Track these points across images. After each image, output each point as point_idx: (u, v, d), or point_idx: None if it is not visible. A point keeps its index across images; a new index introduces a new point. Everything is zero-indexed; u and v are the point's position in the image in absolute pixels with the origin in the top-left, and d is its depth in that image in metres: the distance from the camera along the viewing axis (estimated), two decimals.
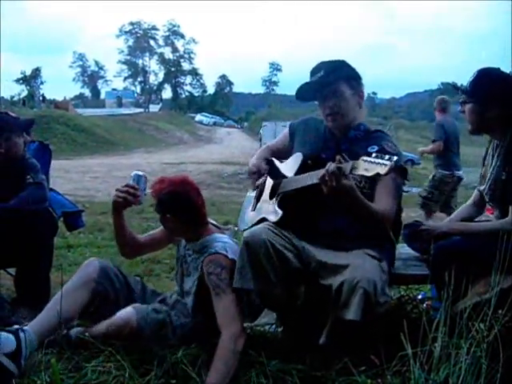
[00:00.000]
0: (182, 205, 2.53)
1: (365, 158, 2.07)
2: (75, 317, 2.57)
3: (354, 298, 2.16)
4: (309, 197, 2.46)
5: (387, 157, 2.03)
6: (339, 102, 2.59)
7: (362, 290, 2.15)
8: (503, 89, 2.54)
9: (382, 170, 2.00)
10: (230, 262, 2.45)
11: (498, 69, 2.62)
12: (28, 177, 3.14)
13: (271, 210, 2.61)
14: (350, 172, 2.11)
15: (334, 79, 2.58)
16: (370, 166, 2.03)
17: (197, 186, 2.63)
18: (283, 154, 2.90)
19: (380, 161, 2.02)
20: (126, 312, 2.45)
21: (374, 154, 2.07)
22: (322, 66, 2.63)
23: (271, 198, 2.66)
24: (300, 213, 2.53)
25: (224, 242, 2.55)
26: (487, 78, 2.57)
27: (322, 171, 2.22)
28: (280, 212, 2.52)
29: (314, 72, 2.65)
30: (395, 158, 2.03)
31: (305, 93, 2.69)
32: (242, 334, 2.35)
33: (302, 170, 2.53)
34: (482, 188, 2.67)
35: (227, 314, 2.36)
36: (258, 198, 2.79)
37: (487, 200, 2.64)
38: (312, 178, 2.35)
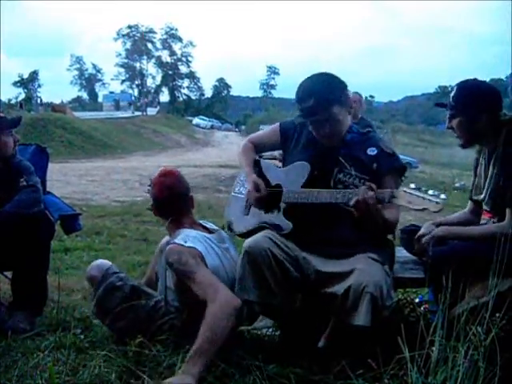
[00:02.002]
0: (154, 195, 2.76)
1: (406, 189, 2.17)
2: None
3: (361, 303, 2.17)
4: (312, 206, 2.47)
5: (431, 192, 2.17)
6: (331, 125, 2.55)
7: (370, 295, 2.16)
8: (487, 96, 2.59)
9: (434, 208, 2.12)
10: (187, 249, 2.47)
11: (476, 79, 2.67)
12: (21, 179, 3.12)
13: (274, 219, 2.61)
14: (389, 201, 2.20)
15: (325, 107, 2.51)
16: (415, 199, 2.14)
17: (176, 182, 2.77)
18: (268, 149, 2.94)
19: (427, 196, 2.13)
20: (101, 262, 2.85)
21: (412, 185, 2.17)
22: (311, 94, 2.52)
23: (271, 205, 2.65)
24: (306, 223, 2.53)
25: (186, 235, 2.57)
26: (469, 90, 2.62)
27: (351, 196, 2.29)
28: (289, 224, 2.53)
29: (302, 99, 2.56)
30: (443, 196, 2.13)
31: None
32: (231, 300, 2.29)
33: (309, 181, 2.54)
34: (480, 198, 2.66)
35: (206, 287, 2.33)
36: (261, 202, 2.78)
37: (488, 209, 2.64)
38: (334, 197, 2.39)
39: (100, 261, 2.88)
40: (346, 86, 2.62)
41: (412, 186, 2.16)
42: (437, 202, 2.09)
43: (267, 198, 2.66)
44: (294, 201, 2.55)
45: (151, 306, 2.65)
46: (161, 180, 2.76)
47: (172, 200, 2.72)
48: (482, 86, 2.65)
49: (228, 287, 2.41)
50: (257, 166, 2.83)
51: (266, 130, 2.98)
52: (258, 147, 2.92)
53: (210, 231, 2.74)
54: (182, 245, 2.49)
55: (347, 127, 2.64)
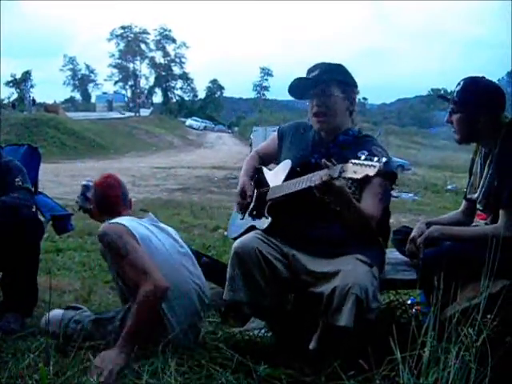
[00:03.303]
0: (100, 195, 2.87)
1: (353, 160, 2.08)
2: None
3: (346, 304, 2.17)
4: (298, 203, 2.46)
5: (376, 158, 2.04)
6: (327, 102, 2.56)
7: (354, 297, 2.16)
8: (491, 97, 2.58)
9: (371, 172, 2.02)
10: (112, 226, 2.57)
11: (483, 77, 2.65)
12: (17, 179, 3.11)
13: (260, 218, 2.61)
14: (340, 175, 2.11)
15: (327, 79, 2.56)
16: (359, 168, 2.05)
17: (120, 182, 2.92)
18: (272, 157, 2.89)
19: (369, 163, 2.04)
20: (52, 316, 2.72)
21: (363, 157, 2.08)
22: (319, 66, 2.61)
23: (259, 205, 2.65)
24: (290, 219, 2.52)
25: (115, 220, 2.65)
26: (475, 87, 2.59)
27: (312, 178, 2.23)
28: (269, 219, 2.52)
29: (310, 71, 2.63)
30: (384, 159, 2.04)
31: (297, 89, 2.65)
32: (159, 285, 2.39)
33: (290, 176, 2.53)
34: (474, 196, 2.66)
35: (137, 271, 2.43)
36: (246, 207, 2.78)
37: (481, 208, 2.64)
38: (300, 183, 2.36)
39: (51, 314, 2.74)
40: (355, 85, 2.65)
41: (362, 157, 2.09)
42: (373, 166, 2.02)
43: (259, 200, 2.66)
44: (273, 196, 2.56)
45: (118, 326, 2.59)
46: (106, 180, 2.89)
47: (118, 197, 2.84)
48: (488, 85, 2.61)
49: (164, 255, 2.58)
50: (259, 173, 2.84)
51: (269, 138, 2.99)
52: (263, 157, 2.93)
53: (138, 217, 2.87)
54: (108, 224, 2.60)
55: (344, 126, 2.62)
